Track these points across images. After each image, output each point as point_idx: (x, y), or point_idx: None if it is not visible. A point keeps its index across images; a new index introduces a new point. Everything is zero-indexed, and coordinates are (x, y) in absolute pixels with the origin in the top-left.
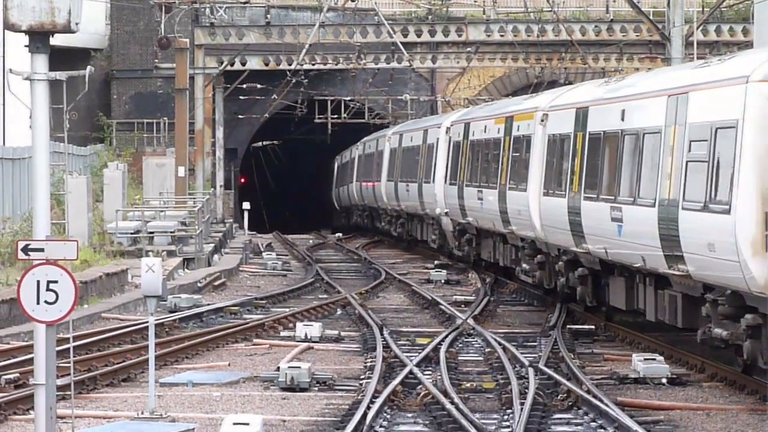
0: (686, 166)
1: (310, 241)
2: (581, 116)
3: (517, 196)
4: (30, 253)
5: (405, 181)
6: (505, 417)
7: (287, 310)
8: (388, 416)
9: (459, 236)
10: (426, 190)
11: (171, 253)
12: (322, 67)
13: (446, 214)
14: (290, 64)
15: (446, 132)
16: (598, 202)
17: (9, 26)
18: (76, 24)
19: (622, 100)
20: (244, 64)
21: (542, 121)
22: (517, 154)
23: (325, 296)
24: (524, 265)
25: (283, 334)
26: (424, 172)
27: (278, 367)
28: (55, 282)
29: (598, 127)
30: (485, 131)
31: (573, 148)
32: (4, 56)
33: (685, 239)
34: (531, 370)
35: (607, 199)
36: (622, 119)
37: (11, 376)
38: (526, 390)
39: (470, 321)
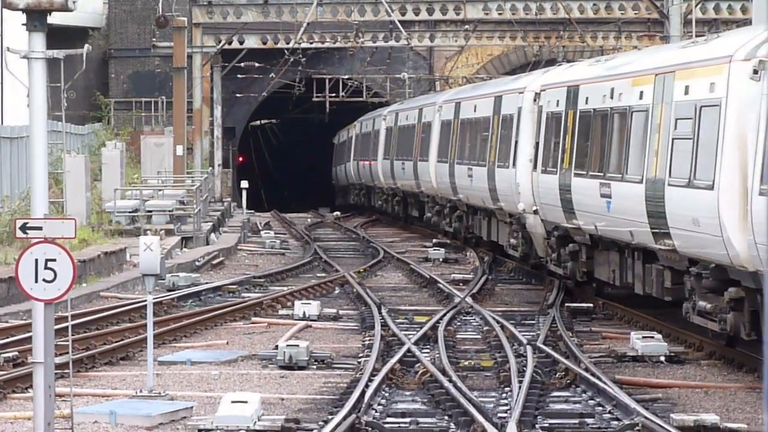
0: None
1: (308, 220)
2: None
3: (689, 196)
4: (28, 231)
5: (465, 163)
6: (503, 395)
7: (285, 288)
8: (387, 394)
9: (558, 245)
10: (501, 177)
11: (169, 232)
12: (320, 45)
13: (535, 212)
14: (288, 43)
15: (534, 100)
16: None
17: (6, 4)
18: (74, 2)
19: None
20: (242, 43)
21: (755, 73)
22: (685, 129)
23: (323, 275)
24: (701, 302)
25: (281, 312)
26: (497, 153)
27: (276, 346)
28: (54, 260)
29: None
30: (611, 97)
31: None
32: (1, 35)
33: None
34: (529, 349)
35: None
36: None
37: (10, 355)
38: (524, 368)
39: (468, 299)
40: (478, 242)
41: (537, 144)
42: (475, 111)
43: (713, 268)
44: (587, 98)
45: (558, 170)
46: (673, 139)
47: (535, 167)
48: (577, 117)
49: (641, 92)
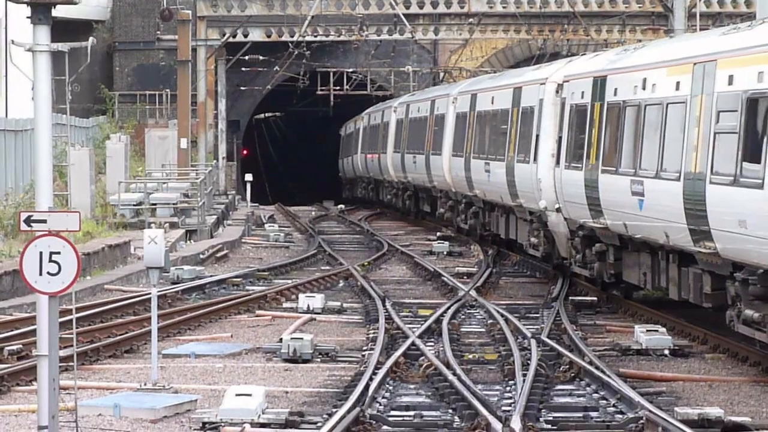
0: None
1: (313, 213)
2: None
3: (734, 195)
4: (33, 224)
5: (482, 157)
6: (508, 388)
7: (290, 281)
8: (391, 387)
9: (582, 245)
10: (520, 172)
11: (173, 225)
12: (324, 39)
13: (557, 210)
14: (292, 36)
15: (556, 92)
16: None
17: None
18: None
19: None
20: (246, 36)
21: None
22: (729, 122)
23: (327, 268)
24: (747, 311)
25: (285, 305)
26: (517, 148)
27: (281, 339)
28: (58, 253)
29: None
30: (644, 87)
31: None
32: (6, 28)
33: None
34: (533, 342)
35: None
36: None
37: (14, 348)
38: (529, 361)
39: (472, 293)
40: (494, 240)
41: (560, 138)
42: (492, 103)
43: (761, 274)
44: (616, 89)
45: (583, 166)
46: (715, 133)
47: (557, 163)
48: (605, 109)
49: (678, 82)
